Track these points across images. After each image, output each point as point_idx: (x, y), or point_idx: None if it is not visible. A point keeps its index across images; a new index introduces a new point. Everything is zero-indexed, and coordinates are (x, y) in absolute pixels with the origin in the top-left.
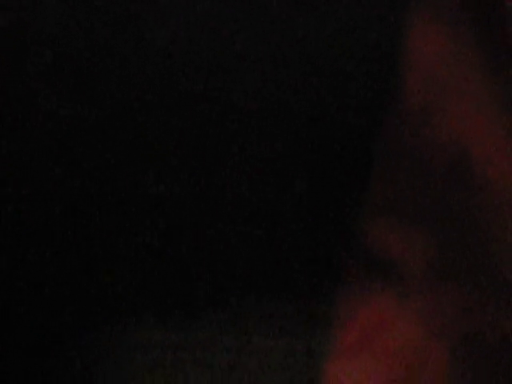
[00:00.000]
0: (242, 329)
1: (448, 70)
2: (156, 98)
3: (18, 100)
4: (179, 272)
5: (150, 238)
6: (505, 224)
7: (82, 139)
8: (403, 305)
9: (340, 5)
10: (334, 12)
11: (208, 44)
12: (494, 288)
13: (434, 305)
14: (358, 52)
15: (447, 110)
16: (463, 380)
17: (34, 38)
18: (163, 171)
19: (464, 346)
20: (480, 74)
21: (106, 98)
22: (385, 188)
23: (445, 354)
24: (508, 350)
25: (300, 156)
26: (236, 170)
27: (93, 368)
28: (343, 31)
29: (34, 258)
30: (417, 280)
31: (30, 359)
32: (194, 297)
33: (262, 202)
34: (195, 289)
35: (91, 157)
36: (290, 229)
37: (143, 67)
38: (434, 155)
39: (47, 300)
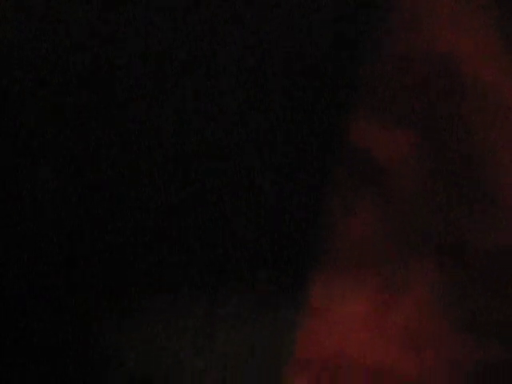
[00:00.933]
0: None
1: None
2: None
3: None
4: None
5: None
6: (489, 126)
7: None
8: (388, 211)
9: None
10: None
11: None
12: (480, 200)
13: (420, 211)
14: None
15: (438, 15)
16: (450, 293)
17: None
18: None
19: (451, 257)
20: None
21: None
22: (375, 89)
23: (431, 264)
24: (493, 260)
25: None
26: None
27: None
28: None
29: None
30: (404, 181)
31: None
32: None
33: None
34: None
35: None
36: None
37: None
38: (425, 60)
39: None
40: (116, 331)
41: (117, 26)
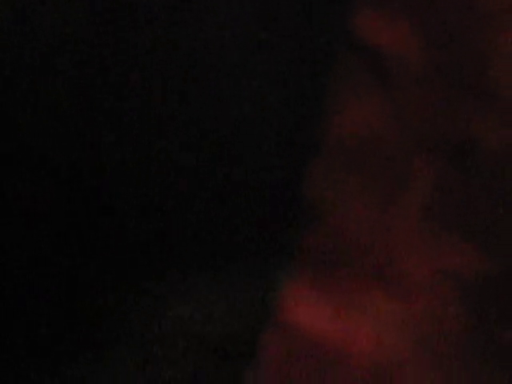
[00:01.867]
0: None
1: None
2: None
3: None
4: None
5: None
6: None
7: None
8: (392, 110)
9: None
10: None
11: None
12: (484, 95)
13: (422, 107)
14: None
15: None
16: (452, 195)
17: None
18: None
19: (460, 155)
20: None
21: None
22: None
23: (433, 163)
24: (498, 161)
25: None
26: None
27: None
28: None
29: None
30: (405, 73)
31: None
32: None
33: None
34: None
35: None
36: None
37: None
38: None
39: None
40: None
41: None
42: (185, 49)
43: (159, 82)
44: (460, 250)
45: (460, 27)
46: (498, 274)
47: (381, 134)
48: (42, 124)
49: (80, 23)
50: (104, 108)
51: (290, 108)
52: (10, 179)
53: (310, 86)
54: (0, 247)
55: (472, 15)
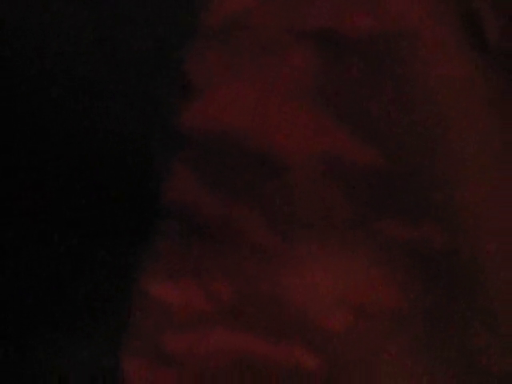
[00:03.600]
0: None
1: None
2: None
3: None
4: None
5: None
6: None
7: None
8: None
9: None
10: None
11: None
12: None
13: None
14: None
15: None
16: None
17: None
18: None
19: (327, 42)
20: None
21: None
22: None
23: (308, 50)
24: (366, 47)
25: None
26: None
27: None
28: None
29: None
30: None
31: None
32: None
33: None
34: None
35: None
36: None
37: None
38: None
39: None
40: None
41: None
42: None
43: None
44: (339, 136)
45: None
46: (384, 166)
47: (255, 20)
48: None
49: None
50: None
51: None
52: None
53: None
54: None
55: None
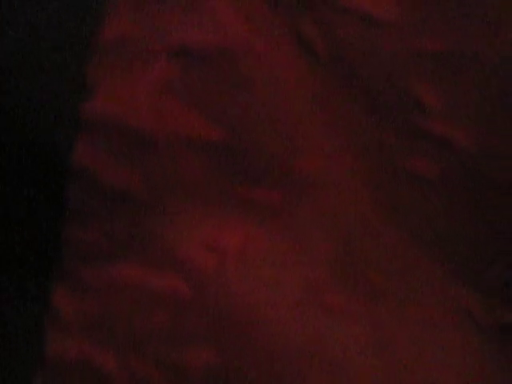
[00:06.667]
0: None
1: None
2: None
3: None
4: None
5: None
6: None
7: None
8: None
9: None
10: None
11: None
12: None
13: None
14: None
15: None
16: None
17: None
18: None
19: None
20: None
21: None
22: None
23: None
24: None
25: None
26: None
27: None
28: None
29: None
30: None
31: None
32: None
33: None
34: None
35: None
36: None
37: None
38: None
39: None
40: None
41: None
42: None
43: None
44: (193, 118)
45: None
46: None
47: (129, 42)
48: None
49: None
50: None
51: None
52: None
53: None
54: None
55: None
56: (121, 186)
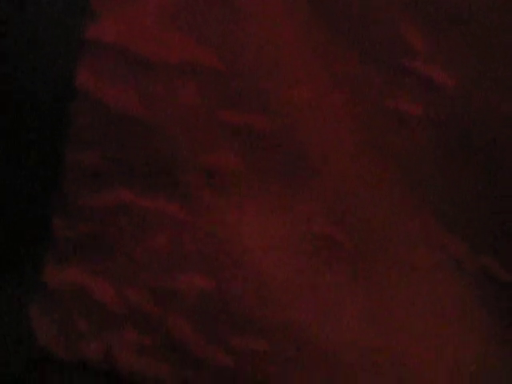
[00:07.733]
0: None
1: None
2: None
3: None
4: None
5: None
6: None
7: None
8: None
9: None
10: None
11: None
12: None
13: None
14: None
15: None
16: None
17: None
18: None
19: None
20: None
21: None
22: None
23: None
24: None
25: None
26: None
27: None
28: None
29: None
30: None
31: None
32: None
33: None
34: None
35: None
36: None
37: None
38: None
39: None
40: None
41: None
42: None
43: None
44: (192, 46)
45: None
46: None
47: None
48: None
49: None
50: None
51: None
52: None
53: None
54: None
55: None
56: (122, 109)
